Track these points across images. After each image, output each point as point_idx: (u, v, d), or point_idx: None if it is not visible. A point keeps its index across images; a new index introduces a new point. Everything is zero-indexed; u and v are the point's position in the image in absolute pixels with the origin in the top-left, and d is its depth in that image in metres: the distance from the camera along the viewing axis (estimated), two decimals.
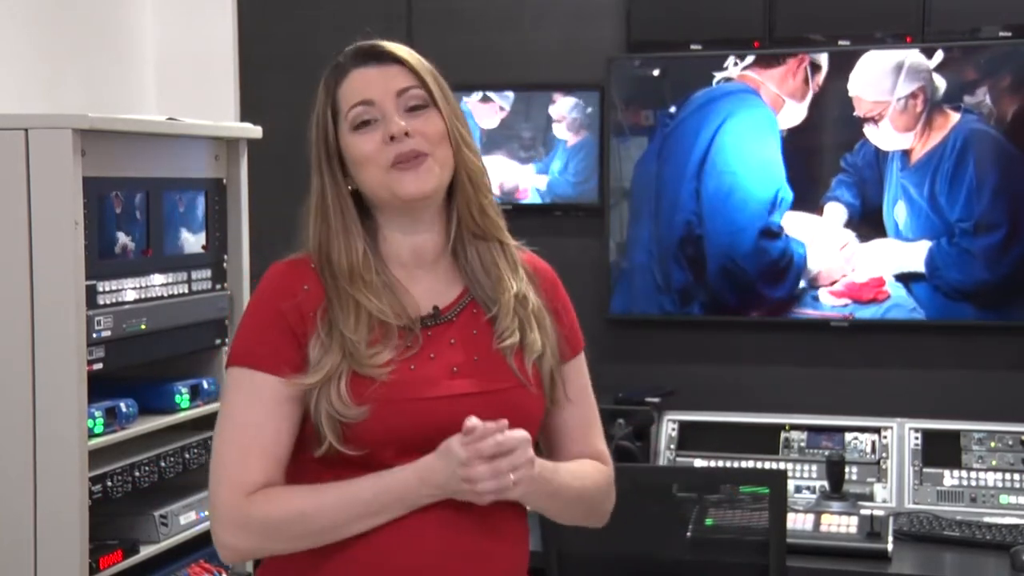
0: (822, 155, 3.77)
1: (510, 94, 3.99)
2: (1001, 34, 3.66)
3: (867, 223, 3.73)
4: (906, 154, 3.68)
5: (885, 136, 3.69)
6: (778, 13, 3.80)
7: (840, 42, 3.75)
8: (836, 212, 3.75)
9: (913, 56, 3.66)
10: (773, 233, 3.79)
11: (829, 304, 3.77)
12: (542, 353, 1.89)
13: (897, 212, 3.70)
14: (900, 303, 3.72)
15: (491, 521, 1.83)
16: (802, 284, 3.78)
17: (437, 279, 1.91)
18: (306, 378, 1.80)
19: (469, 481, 1.74)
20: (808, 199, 3.77)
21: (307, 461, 1.83)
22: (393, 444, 1.79)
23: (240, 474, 1.80)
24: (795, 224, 3.78)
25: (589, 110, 3.95)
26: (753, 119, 3.80)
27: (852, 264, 3.75)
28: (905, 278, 3.71)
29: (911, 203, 3.69)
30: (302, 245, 1.90)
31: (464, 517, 1.80)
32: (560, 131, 3.97)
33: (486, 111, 3.99)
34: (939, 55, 3.64)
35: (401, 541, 1.79)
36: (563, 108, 3.97)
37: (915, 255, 3.69)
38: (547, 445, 1.95)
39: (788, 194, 3.77)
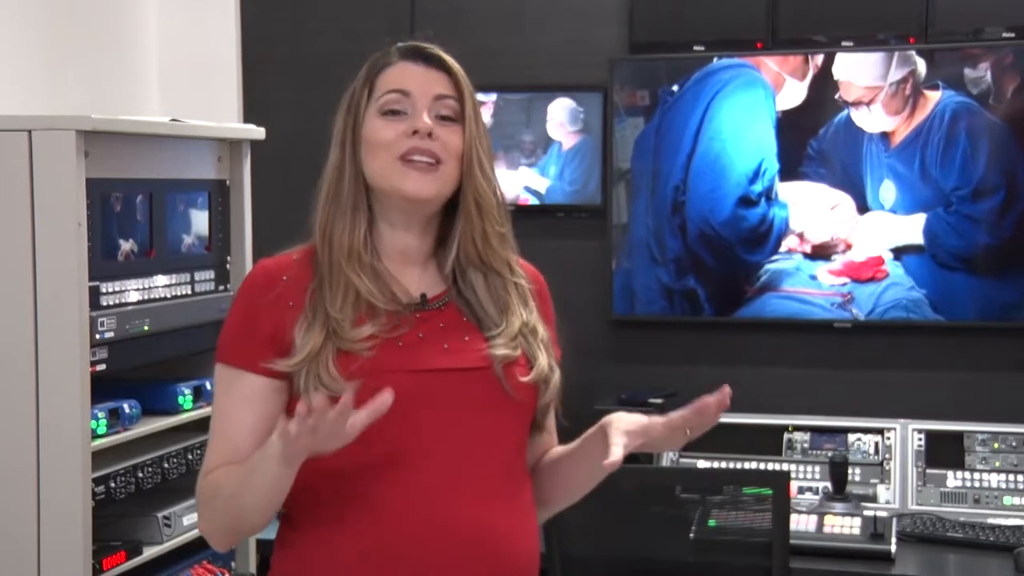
0: (811, 133, 3.78)
1: (494, 95, 3.99)
2: (1004, 35, 3.66)
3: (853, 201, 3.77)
4: (885, 136, 3.70)
5: (875, 119, 3.71)
6: (781, 14, 3.81)
7: (843, 43, 3.75)
8: (819, 185, 3.78)
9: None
10: (751, 201, 3.80)
11: (827, 283, 3.78)
12: (547, 381, 1.91)
13: (884, 193, 3.71)
14: (898, 281, 3.73)
15: (507, 519, 1.86)
16: (786, 247, 3.79)
17: (423, 276, 1.93)
18: (290, 359, 1.81)
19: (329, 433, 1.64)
20: (795, 173, 3.78)
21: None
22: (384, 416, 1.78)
23: (209, 461, 1.87)
24: (780, 190, 3.79)
25: (583, 114, 3.95)
26: (749, 90, 3.81)
27: (848, 228, 3.74)
28: (903, 251, 3.72)
29: (900, 182, 3.70)
30: (309, 233, 1.91)
31: (477, 514, 1.82)
32: (555, 132, 3.97)
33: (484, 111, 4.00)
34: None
35: (415, 540, 1.80)
36: (557, 111, 3.97)
37: (912, 228, 3.71)
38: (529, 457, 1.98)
39: (774, 165, 3.78)
